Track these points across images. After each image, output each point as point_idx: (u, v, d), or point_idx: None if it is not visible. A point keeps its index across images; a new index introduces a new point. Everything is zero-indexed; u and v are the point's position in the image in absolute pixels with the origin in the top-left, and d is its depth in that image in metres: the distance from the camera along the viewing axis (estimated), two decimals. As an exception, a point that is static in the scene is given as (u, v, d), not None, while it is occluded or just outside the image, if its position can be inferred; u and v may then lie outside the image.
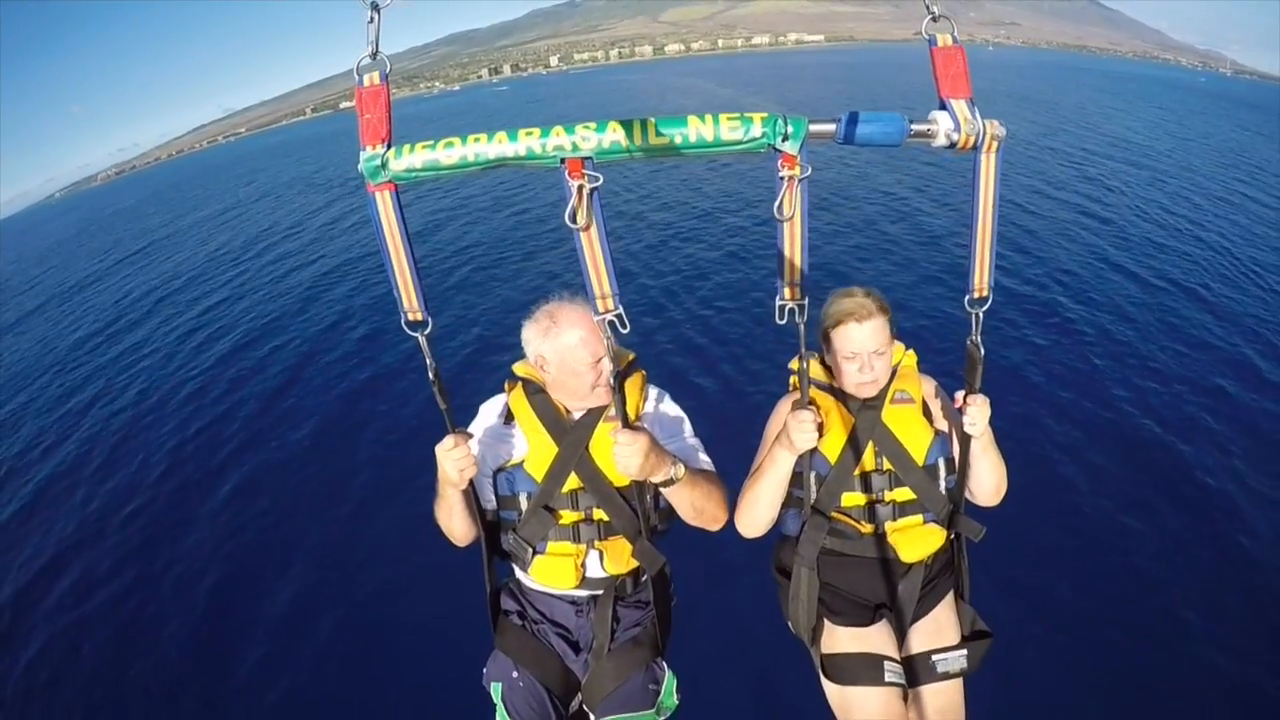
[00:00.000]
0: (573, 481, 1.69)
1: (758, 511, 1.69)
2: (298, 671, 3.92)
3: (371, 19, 1.18)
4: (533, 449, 1.72)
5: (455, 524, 1.70)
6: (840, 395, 1.78)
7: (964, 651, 1.74)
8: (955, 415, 1.60)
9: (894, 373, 1.79)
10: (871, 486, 1.74)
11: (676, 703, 1.81)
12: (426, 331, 1.36)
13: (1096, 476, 4.88)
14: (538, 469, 1.70)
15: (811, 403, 1.56)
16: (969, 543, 1.77)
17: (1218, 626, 3.70)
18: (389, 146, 1.23)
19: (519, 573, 1.84)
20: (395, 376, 7.25)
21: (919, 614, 1.81)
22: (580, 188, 1.17)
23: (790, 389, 1.84)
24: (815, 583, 1.73)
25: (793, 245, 1.27)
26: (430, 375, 1.40)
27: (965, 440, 1.60)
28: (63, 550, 5.46)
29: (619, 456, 1.43)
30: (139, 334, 11.08)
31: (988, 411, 1.54)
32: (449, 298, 9.38)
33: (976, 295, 1.37)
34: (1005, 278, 8.30)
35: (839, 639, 1.77)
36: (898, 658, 1.75)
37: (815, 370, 1.81)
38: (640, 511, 1.64)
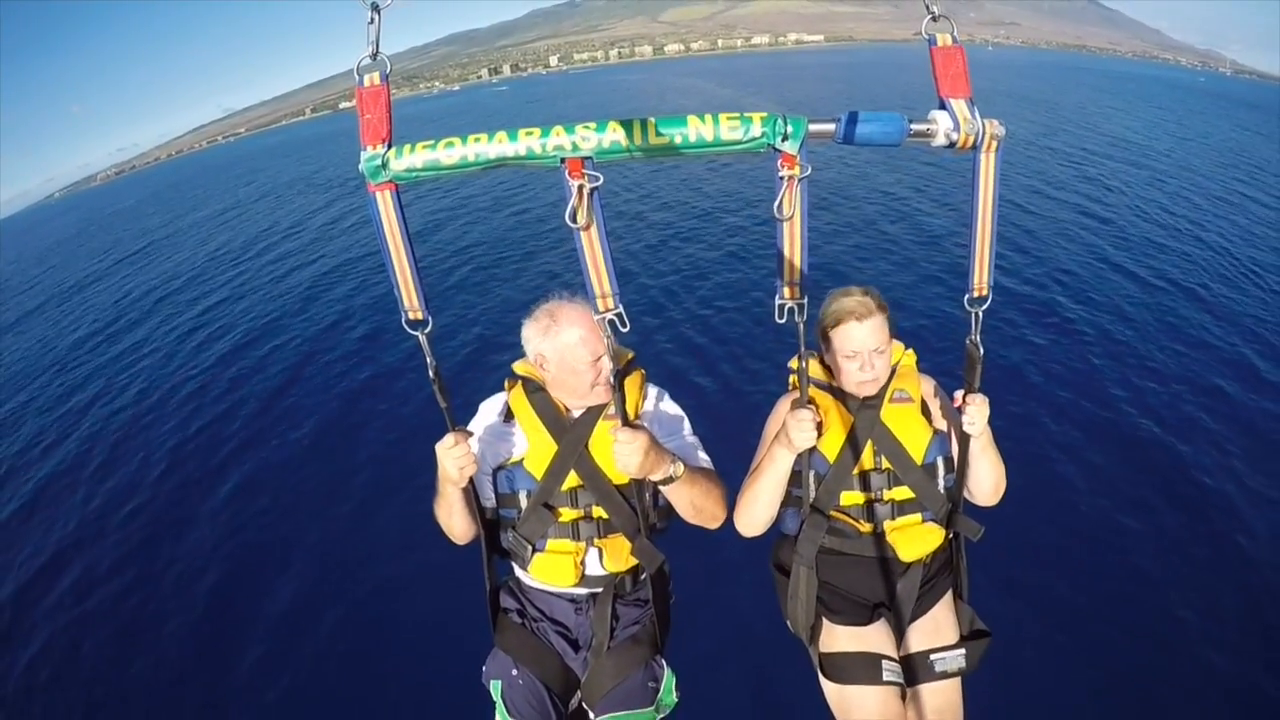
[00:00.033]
0: (572, 479, 1.70)
1: (757, 510, 1.69)
2: (298, 669, 3.93)
3: (372, 19, 1.19)
4: (532, 447, 1.73)
5: (455, 522, 1.70)
6: (839, 394, 1.78)
7: (962, 651, 1.74)
8: (954, 414, 1.60)
9: (893, 372, 1.79)
10: (870, 485, 1.74)
11: (675, 700, 1.81)
12: (427, 330, 1.37)
13: (1095, 476, 4.89)
14: (537, 467, 1.71)
15: (811, 402, 1.56)
16: (968, 542, 1.77)
17: (1215, 625, 3.71)
18: (389, 146, 1.24)
19: (518, 571, 1.84)
20: (395, 375, 7.26)
21: (917, 613, 1.81)
22: (580, 187, 1.18)
23: (790, 388, 1.84)
24: (814, 581, 1.74)
25: (792, 245, 1.27)
26: (430, 374, 1.41)
27: (964, 439, 1.60)
28: (63, 549, 5.47)
29: (618, 454, 1.44)
30: (139, 333, 11.08)
31: (987, 411, 1.54)
32: (449, 297, 9.39)
33: (976, 295, 1.37)
34: (1005, 277, 8.30)
35: (837, 638, 1.78)
36: (896, 657, 1.76)
37: (814, 369, 1.81)
38: (639, 509, 1.64)
